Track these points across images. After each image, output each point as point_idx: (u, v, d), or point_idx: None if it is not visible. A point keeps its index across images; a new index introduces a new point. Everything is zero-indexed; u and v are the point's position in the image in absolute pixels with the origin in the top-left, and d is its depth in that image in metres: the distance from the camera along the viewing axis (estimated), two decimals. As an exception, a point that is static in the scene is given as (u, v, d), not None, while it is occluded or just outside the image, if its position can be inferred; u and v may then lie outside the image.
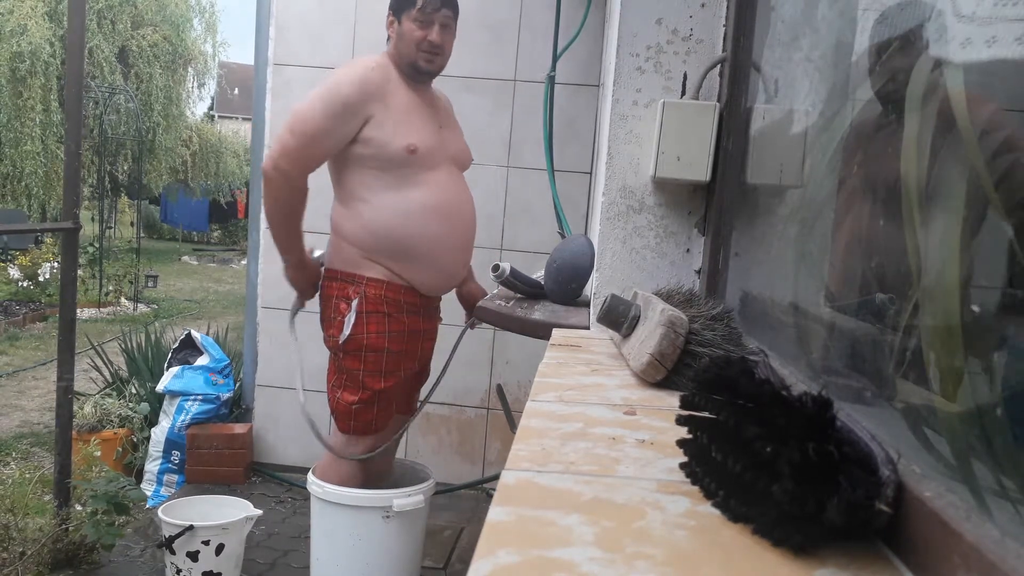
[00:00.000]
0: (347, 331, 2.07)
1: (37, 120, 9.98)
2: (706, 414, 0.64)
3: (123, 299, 8.58)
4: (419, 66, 2.09)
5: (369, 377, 2.10)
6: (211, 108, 22.83)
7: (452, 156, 2.18)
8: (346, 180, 2.09)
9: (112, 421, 3.34)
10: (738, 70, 1.37)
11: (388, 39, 2.15)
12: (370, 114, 2.01)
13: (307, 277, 2.21)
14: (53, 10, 10.19)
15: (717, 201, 1.41)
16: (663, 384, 0.99)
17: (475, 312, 1.94)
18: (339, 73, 2.05)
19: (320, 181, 2.16)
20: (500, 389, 2.52)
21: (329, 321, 2.13)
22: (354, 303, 2.07)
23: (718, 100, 1.42)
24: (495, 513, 0.56)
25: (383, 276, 2.08)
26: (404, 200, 2.05)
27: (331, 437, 2.23)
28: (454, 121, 2.30)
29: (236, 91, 21.44)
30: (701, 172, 1.40)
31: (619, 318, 1.14)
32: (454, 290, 2.47)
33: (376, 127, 2.01)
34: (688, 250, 1.47)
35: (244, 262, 7.21)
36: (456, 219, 2.15)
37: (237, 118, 22.07)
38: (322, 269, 2.19)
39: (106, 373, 3.93)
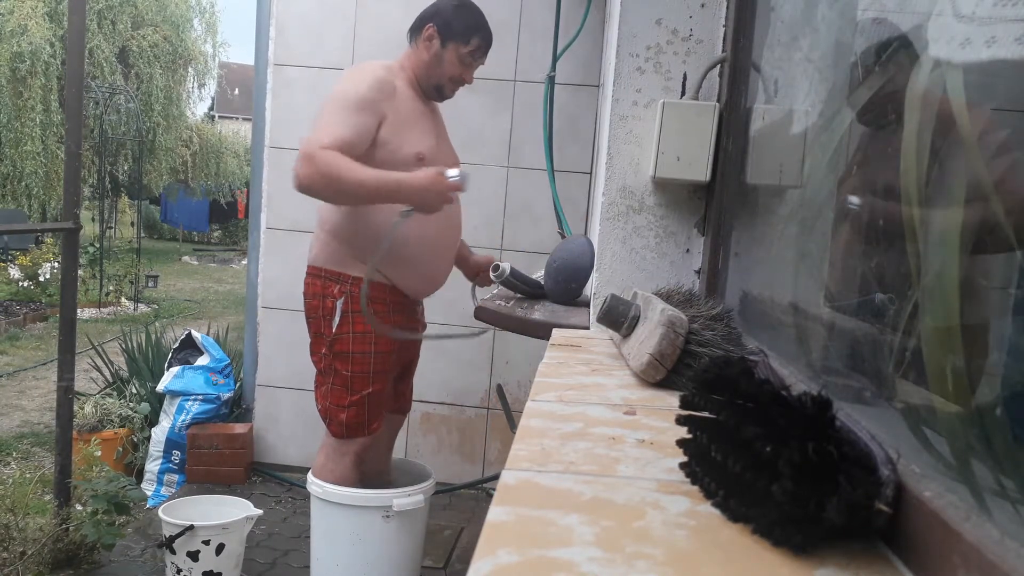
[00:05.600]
0: (334, 328, 2.06)
1: (37, 120, 10.00)
2: (706, 414, 0.64)
3: (123, 299, 8.58)
4: (444, 92, 2.16)
5: (358, 380, 2.09)
6: (211, 108, 22.85)
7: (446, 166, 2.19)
8: None
9: (112, 421, 3.34)
10: (738, 70, 1.37)
11: (412, 41, 2.14)
12: (384, 114, 2.00)
13: (422, 181, 1.91)
14: (53, 10, 10.20)
15: (717, 201, 1.41)
16: (663, 384, 0.99)
17: (475, 313, 1.94)
18: (347, 76, 2.03)
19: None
20: (500, 389, 2.52)
21: (317, 319, 2.11)
22: (339, 303, 2.06)
23: (718, 100, 1.42)
24: (495, 513, 0.56)
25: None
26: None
27: (324, 440, 2.22)
28: (446, 133, 2.32)
29: (236, 91, 21.46)
30: (701, 172, 1.40)
31: (619, 318, 1.14)
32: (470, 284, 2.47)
33: (389, 129, 2.00)
34: (688, 250, 1.47)
35: (244, 262, 7.21)
36: (446, 227, 2.15)
37: (237, 118, 22.09)
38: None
39: (106, 373, 3.93)
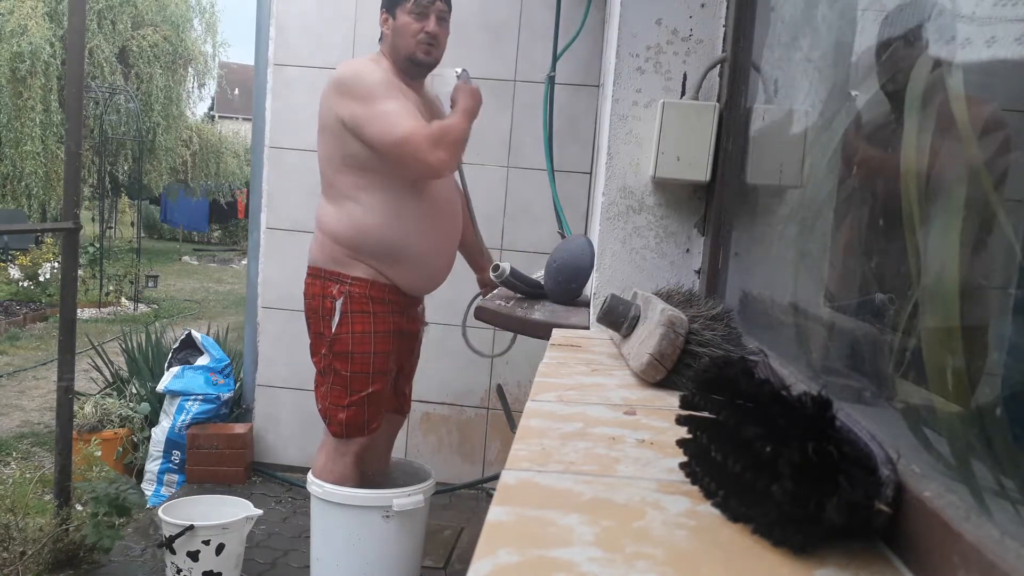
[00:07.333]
0: (334, 328, 2.06)
1: (37, 120, 9.99)
2: (706, 414, 0.64)
3: (123, 299, 8.58)
4: (417, 58, 2.08)
5: (357, 380, 2.09)
6: (211, 108, 22.85)
7: None
8: (339, 179, 2.07)
9: (112, 421, 3.34)
10: (738, 70, 1.37)
11: (381, 37, 2.15)
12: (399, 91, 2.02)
13: (470, 96, 2.11)
14: (53, 10, 10.19)
15: (717, 201, 1.41)
16: (663, 384, 0.99)
17: (476, 313, 1.94)
18: (355, 75, 2.02)
19: (312, 180, 2.16)
20: (500, 389, 2.51)
21: (316, 319, 2.11)
22: (338, 303, 2.06)
23: (718, 100, 1.42)
24: (495, 513, 0.56)
25: (367, 275, 2.07)
26: (397, 201, 2.03)
27: (324, 440, 2.21)
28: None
29: (236, 91, 21.42)
30: (701, 172, 1.40)
31: (619, 318, 1.14)
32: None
33: None
34: (688, 250, 1.47)
35: (244, 262, 7.21)
36: (446, 222, 2.14)
37: (237, 118, 22.09)
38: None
39: (106, 373, 3.93)
